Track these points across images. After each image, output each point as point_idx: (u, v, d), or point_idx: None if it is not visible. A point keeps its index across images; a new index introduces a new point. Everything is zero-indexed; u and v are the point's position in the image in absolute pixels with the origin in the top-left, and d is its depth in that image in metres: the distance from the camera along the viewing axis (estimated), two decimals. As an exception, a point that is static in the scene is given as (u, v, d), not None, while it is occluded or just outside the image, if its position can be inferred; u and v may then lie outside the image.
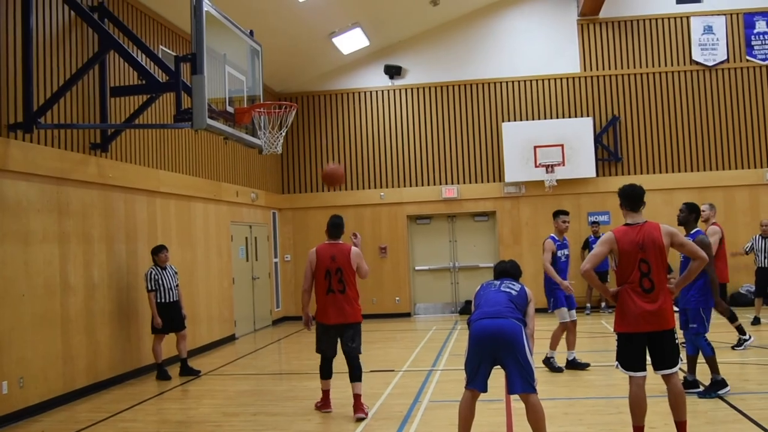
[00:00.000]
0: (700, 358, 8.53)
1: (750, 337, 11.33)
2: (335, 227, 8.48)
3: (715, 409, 7.74)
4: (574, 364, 10.31)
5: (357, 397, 8.08)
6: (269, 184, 18.49)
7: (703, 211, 11.10)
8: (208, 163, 14.72)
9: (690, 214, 8.76)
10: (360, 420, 7.89)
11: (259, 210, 17.55)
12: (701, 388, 8.45)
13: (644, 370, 6.19)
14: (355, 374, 8.17)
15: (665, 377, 6.22)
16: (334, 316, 8.21)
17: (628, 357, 6.21)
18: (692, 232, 8.63)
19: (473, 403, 6.27)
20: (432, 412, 8.19)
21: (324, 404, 8.47)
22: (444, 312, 19.02)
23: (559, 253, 10.33)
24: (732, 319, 11.12)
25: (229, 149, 15.60)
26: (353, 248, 8.44)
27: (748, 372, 9.69)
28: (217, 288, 14.66)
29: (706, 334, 8.47)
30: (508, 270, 6.87)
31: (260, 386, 10.31)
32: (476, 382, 6.20)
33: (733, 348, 11.16)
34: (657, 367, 6.22)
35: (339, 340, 8.29)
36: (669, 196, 17.59)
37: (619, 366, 6.29)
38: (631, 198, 6.49)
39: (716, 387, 8.35)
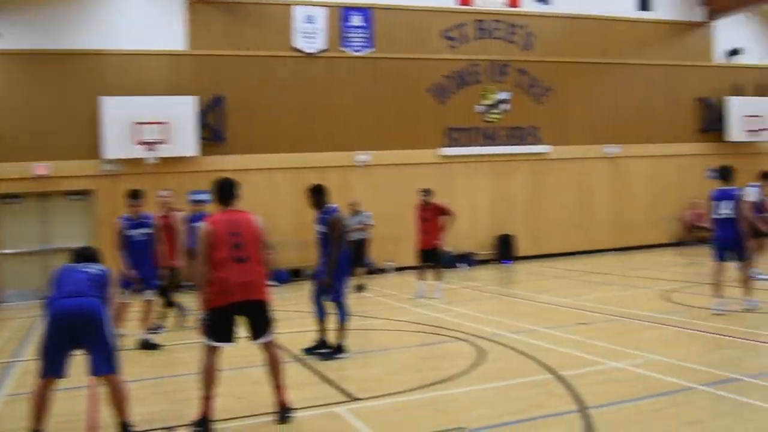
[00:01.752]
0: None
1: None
2: None
3: (296, 374, 8.14)
4: (148, 344, 10.25)
5: None
6: None
7: (163, 196, 11.78)
8: None
9: (318, 196, 9.13)
10: None
11: None
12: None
13: (231, 341, 6.41)
14: None
15: (263, 345, 6.52)
16: None
17: (219, 328, 6.35)
18: (326, 209, 9.07)
19: (48, 391, 5.87)
20: (9, 407, 7.47)
21: None
22: (36, 298, 17.51)
23: (133, 233, 10.18)
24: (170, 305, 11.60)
25: None
26: None
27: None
28: None
29: (344, 302, 9.15)
30: (87, 254, 6.62)
31: None
32: (54, 368, 5.86)
33: None
34: (254, 337, 6.51)
35: None
36: (270, 175, 18.34)
37: (207, 339, 6.36)
38: (224, 192, 6.70)
39: (338, 351, 9.05)
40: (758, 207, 13.24)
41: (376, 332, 11.30)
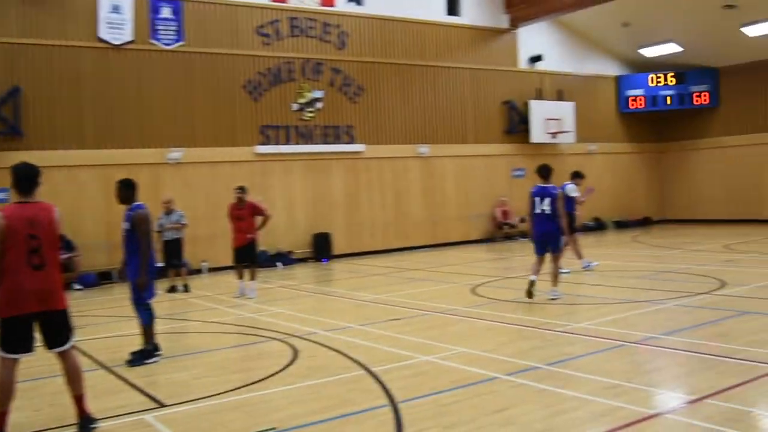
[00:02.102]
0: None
1: None
2: None
3: (101, 382, 7.76)
4: None
5: None
6: None
7: None
8: None
9: (127, 190, 8.71)
10: None
11: None
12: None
13: (29, 351, 6.02)
14: None
15: (60, 354, 6.16)
16: None
17: (14, 339, 5.92)
18: (134, 205, 8.66)
19: None
20: None
21: None
22: None
23: None
24: None
25: None
26: None
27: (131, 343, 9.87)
28: None
29: (150, 303, 8.80)
30: None
31: None
32: None
33: None
34: (51, 346, 6.13)
35: None
36: (74, 173, 17.38)
37: (2, 350, 5.90)
38: (24, 180, 6.15)
39: (146, 355, 8.66)
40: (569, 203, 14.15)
41: (188, 334, 10.98)
